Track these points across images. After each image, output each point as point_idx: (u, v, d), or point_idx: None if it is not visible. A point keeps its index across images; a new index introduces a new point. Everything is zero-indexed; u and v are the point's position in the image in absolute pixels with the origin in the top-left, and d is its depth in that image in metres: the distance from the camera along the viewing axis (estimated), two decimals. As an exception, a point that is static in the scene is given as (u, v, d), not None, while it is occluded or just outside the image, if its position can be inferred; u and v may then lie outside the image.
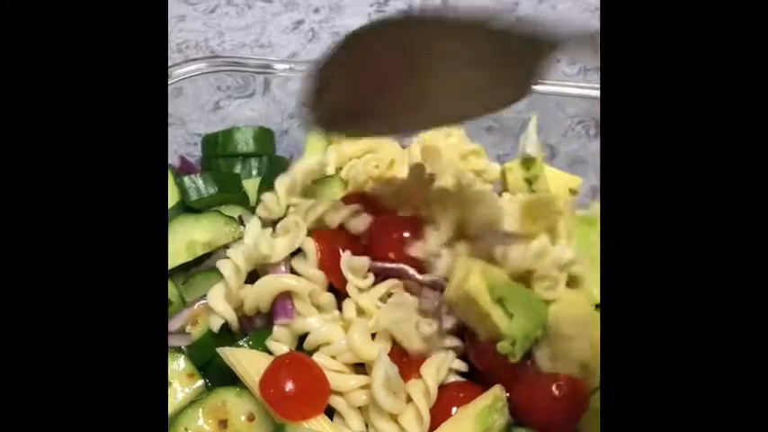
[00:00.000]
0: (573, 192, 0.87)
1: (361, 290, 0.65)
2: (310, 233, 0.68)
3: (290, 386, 0.59)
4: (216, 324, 0.65)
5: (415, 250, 0.65)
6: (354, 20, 1.10)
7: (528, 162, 0.86)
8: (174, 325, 0.66)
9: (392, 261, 0.65)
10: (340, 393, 0.61)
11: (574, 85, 0.87)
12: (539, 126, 0.89)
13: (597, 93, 0.86)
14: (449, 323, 0.63)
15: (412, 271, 0.65)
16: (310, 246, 0.66)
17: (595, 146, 0.94)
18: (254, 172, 0.83)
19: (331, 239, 0.67)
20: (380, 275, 0.66)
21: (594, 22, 0.44)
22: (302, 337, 0.65)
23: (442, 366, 0.62)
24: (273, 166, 0.80)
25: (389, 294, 0.65)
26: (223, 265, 0.65)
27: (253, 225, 0.69)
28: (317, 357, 0.62)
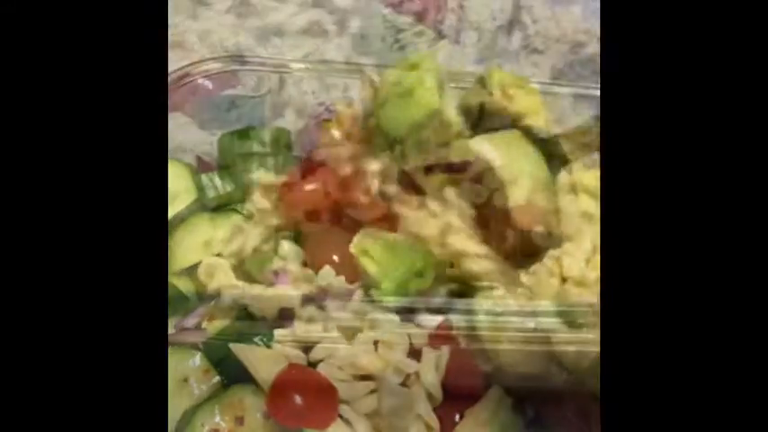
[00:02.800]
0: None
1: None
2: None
3: (298, 401, 0.59)
4: None
5: None
6: (369, 21, 1.10)
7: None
8: (189, 321, 0.66)
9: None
10: (346, 402, 0.60)
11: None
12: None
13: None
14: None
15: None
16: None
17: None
18: (271, 171, 0.83)
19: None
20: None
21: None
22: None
23: (439, 361, 0.61)
24: (290, 166, 0.80)
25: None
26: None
27: None
28: (323, 368, 0.61)
